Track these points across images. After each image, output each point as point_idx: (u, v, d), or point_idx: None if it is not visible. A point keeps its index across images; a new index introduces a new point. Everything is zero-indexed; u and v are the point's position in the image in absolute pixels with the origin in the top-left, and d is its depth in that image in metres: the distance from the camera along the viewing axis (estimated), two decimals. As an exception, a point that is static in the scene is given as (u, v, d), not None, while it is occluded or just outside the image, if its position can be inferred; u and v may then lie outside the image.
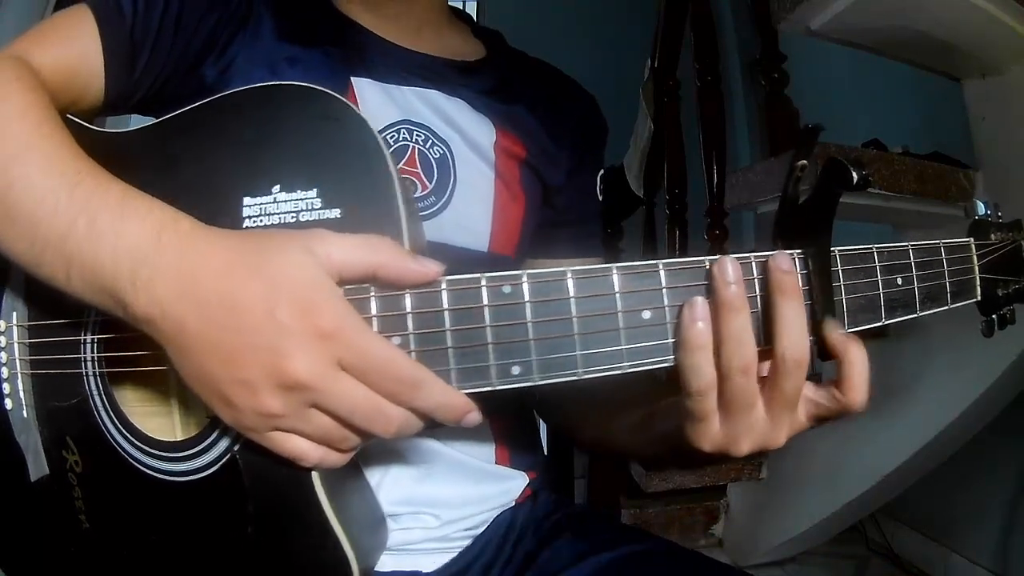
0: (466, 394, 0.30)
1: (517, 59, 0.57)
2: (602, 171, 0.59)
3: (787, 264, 0.30)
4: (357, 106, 0.45)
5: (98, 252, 0.30)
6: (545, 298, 0.30)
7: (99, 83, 0.42)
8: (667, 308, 0.30)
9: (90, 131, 0.39)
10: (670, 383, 0.33)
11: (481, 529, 0.48)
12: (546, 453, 0.58)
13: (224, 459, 0.33)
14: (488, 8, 2.65)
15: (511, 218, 0.50)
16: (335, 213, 0.31)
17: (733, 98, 2.19)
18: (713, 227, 1.44)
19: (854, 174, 0.29)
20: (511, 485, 0.50)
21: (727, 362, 0.30)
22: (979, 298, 0.39)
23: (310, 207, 0.32)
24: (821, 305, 0.31)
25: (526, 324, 0.29)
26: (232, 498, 0.32)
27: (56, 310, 0.38)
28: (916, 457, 1.09)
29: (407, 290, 0.29)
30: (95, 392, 0.38)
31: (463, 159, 0.48)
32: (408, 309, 0.29)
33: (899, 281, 0.34)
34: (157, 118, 0.37)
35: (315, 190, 0.32)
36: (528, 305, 0.29)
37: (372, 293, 0.29)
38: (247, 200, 0.32)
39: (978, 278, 0.38)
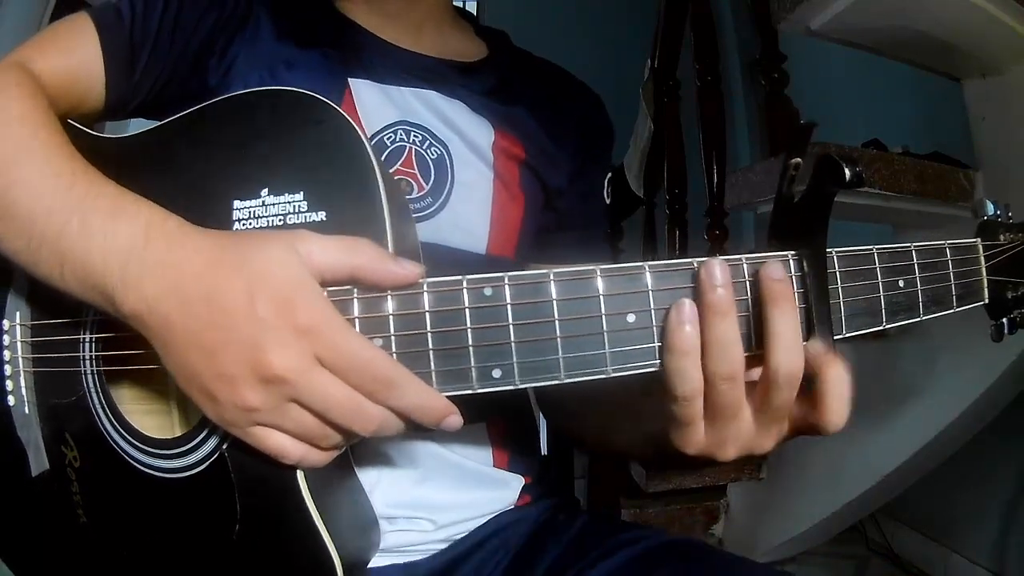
0: (458, 396, 0.30)
1: (520, 59, 0.57)
2: (609, 174, 0.58)
3: (779, 273, 0.29)
4: (355, 107, 0.46)
5: (90, 250, 0.31)
6: (527, 300, 0.29)
7: (100, 88, 0.43)
8: (653, 312, 0.30)
9: (89, 136, 0.40)
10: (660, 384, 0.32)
11: (478, 534, 0.48)
12: (546, 453, 0.58)
13: (213, 457, 0.33)
14: (488, 8, 2.65)
15: (510, 219, 0.50)
16: (321, 216, 0.32)
17: (733, 98, 2.18)
18: (713, 227, 1.44)
19: (847, 171, 0.28)
20: (508, 489, 0.50)
21: (712, 368, 0.29)
22: (986, 301, 0.37)
23: (297, 210, 0.32)
24: (816, 310, 0.30)
25: (507, 327, 0.29)
26: (220, 495, 0.33)
27: (57, 309, 0.39)
28: (916, 457, 1.08)
29: (389, 292, 0.30)
30: (92, 389, 0.38)
31: (461, 160, 0.48)
32: (390, 311, 0.30)
33: (901, 283, 0.33)
34: (160, 123, 0.38)
35: (302, 193, 0.32)
36: (509, 307, 0.29)
37: (354, 295, 0.30)
38: (237, 203, 0.33)
39: (985, 280, 0.37)
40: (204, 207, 0.33)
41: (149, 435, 0.36)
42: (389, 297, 0.30)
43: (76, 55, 0.42)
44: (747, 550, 1.38)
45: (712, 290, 0.29)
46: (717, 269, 0.29)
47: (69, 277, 0.32)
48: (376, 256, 0.30)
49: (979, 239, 0.37)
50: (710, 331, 0.29)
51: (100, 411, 0.38)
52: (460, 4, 0.59)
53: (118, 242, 0.31)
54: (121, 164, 0.36)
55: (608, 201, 0.57)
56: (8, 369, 0.41)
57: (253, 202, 0.33)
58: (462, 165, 0.48)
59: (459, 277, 0.30)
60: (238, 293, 0.28)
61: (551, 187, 0.53)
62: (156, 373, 0.37)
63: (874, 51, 1.04)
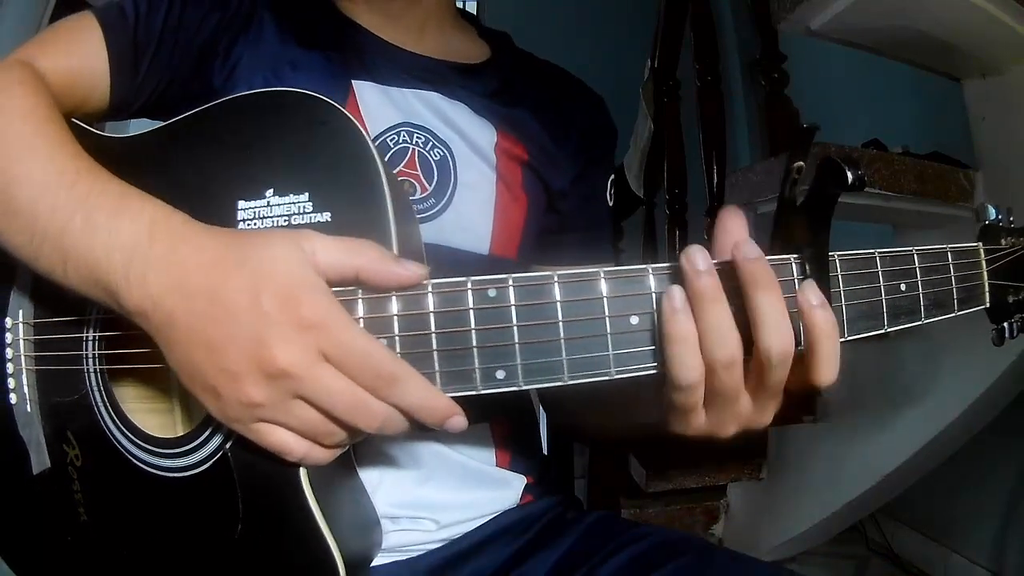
0: (462, 397, 0.30)
1: (523, 61, 0.57)
2: (612, 175, 0.58)
3: (754, 251, 0.29)
4: (358, 109, 0.46)
5: (93, 247, 0.31)
6: (531, 302, 0.29)
7: (104, 87, 0.43)
8: (655, 314, 0.30)
9: (93, 135, 0.40)
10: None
11: (480, 534, 0.48)
12: (546, 452, 0.58)
13: (216, 456, 0.33)
14: (488, 8, 2.65)
15: (513, 220, 0.50)
16: (325, 216, 0.32)
17: (733, 98, 2.18)
18: (713, 227, 1.44)
19: (849, 174, 0.28)
20: (510, 488, 0.50)
21: (710, 356, 0.29)
22: (988, 305, 0.37)
23: (302, 211, 0.32)
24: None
25: (511, 328, 0.29)
26: (223, 495, 0.33)
27: (60, 308, 0.39)
28: (916, 457, 1.08)
29: (393, 293, 0.30)
30: (95, 388, 0.38)
31: (464, 161, 0.48)
32: (394, 312, 0.30)
33: (902, 287, 0.33)
34: (164, 123, 0.38)
35: (307, 194, 0.32)
36: (513, 309, 0.29)
37: (359, 295, 0.30)
38: (242, 204, 0.33)
39: (987, 284, 0.37)
40: (208, 207, 0.33)
41: (151, 434, 0.37)
42: (394, 298, 0.30)
43: (80, 54, 0.43)
44: (747, 550, 1.37)
45: (697, 276, 0.28)
46: (698, 256, 0.28)
47: (72, 274, 0.32)
48: (379, 257, 0.30)
49: (980, 243, 0.38)
50: (702, 318, 0.29)
51: (102, 409, 0.38)
52: (460, 4, 0.59)
53: (122, 238, 0.31)
54: (125, 163, 0.36)
55: (611, 203, 0.57)
56: (10, 367, 0.41)
57: (258, 203, 0.33)
58: (465, 166, 0.48)
59: (463, 278, 0.30)
60: (242, 289, 0.28)
61: (554, 189, 0.53)
62: (159, 372, 0.37)
63: (874, 51, 1.04)
